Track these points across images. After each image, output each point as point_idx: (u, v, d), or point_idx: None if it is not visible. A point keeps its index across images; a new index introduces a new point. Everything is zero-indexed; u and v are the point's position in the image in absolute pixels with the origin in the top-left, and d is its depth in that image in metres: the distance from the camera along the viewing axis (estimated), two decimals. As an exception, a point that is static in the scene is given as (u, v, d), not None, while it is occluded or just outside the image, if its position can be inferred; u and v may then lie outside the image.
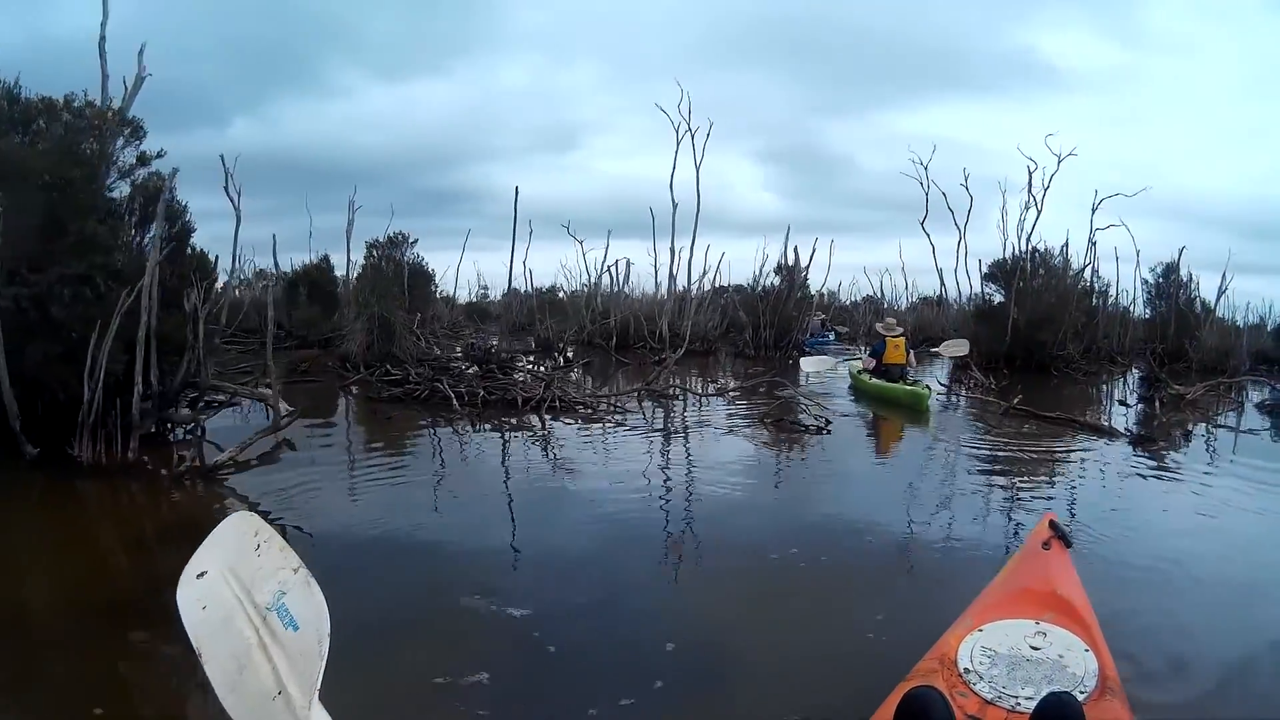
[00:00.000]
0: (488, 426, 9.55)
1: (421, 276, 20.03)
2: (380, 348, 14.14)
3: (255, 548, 1.89)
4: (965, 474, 7.49)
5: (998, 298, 18.06)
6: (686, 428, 9.79)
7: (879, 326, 13.17)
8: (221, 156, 9.40)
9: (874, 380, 12.09)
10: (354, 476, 7.21)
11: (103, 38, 8.79)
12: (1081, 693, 2.28)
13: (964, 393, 12.87)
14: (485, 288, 29.10)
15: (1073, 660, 2.44)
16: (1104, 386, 15.93)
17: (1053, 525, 3.16)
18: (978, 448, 8.66)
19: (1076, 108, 48.38)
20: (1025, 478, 7.45)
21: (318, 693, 1.50)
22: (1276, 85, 44.38)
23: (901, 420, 10.87)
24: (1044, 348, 16.61)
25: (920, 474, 7.62)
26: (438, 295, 24.00)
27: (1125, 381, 16.53)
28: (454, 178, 48.99)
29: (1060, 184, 28.02)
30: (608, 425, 9.69)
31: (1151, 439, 9.09)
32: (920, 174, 19.97)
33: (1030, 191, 18.09)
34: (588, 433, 9.30)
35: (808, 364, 15.34)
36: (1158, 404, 11.84)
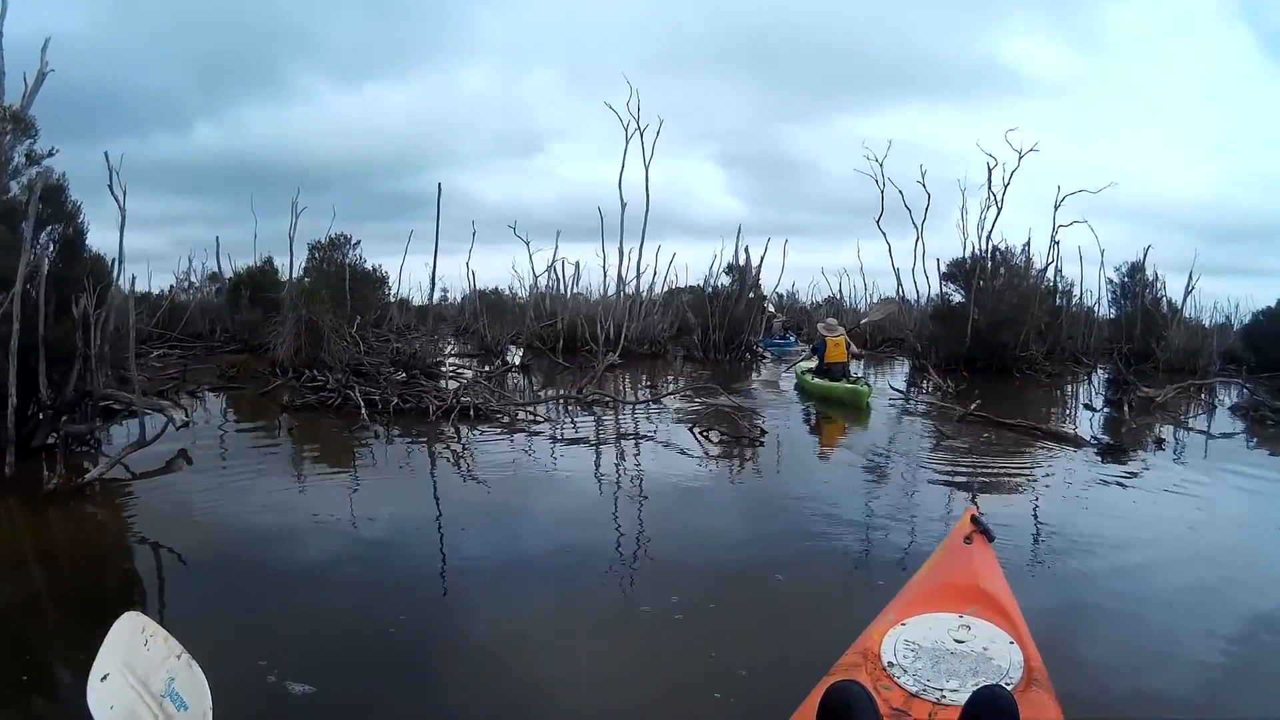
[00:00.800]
0: (399, 436, 8.51)
1: (365, 279, 19.00)
2: (309, 352, 12.96)
3: (144, 643, 2.07)
4: (911, 493, 6.35)
5: (957, 298, 16.95)
6: (610, 438, 8.59)
7: (820, 327, 12.88)
8: (105, 154, 8.49)
9: (816, 380, 11.72)
10: (220, 495, 6.07)
11: (-1, 33, 7.99)
12: (1008, 684, 2.17)
13: (921, 397, 11.68)
14: (445, 290, 27.95)
15: (998, 653, 2.36)
16: (1069, 389, 14.90)
17: (975, 520, 3.06)
18: (928, 462, 7.49)
19: (1038, 114, 47.83)
20: (980, 494, 6.29)
21: None
22: (1235, 93, 43.88)
23: (845, 424, 9.78)
24: (1005, 349, 15.56)
25: (861, 494, 6.40)
26: (391, 298, 23.24)
27: (1091, 383, 15.53)
28: (416, 182, 47.51)
29: (1021, 185, 26.97)
30: (526, 435, 8.56)
31: (1121, 448, 7.99)
32: (875, 171, 18.64)
33: (990, 189, 16.90)
34: (498, 445, 8.10)
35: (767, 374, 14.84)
36: (1126, 408, 10.76)
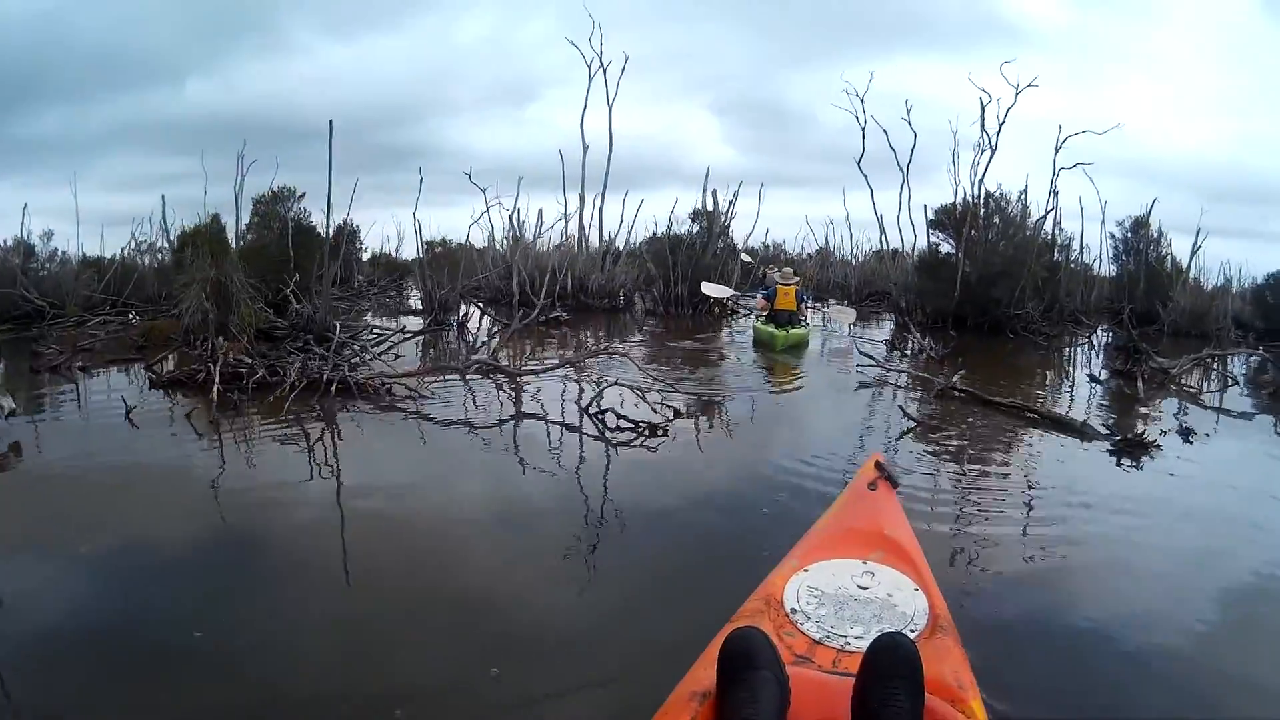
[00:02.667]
0: (253, 414, 6.42)
1: (309, 234, 16.91)
2: (216, 317, 10.74)
3: None
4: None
5: (946, 248, 14.60)
6: (494, 419, 6.43)
7: (776, 275, 11.77)
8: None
9: (760, 325, 11.38)
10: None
11: None
12: (913, 631, 2.07)
13: (895, 365, 9.40)
14: (444, 240, 25.46)
15: (902, 599, 2.23)
16: (1068, 352, 12.67)
17: (879, 466, 2.87)
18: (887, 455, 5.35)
19: (1039, 68, 43.81)
20: (955, 521, 4.16)
21: None
22: (1236, 52, 40.01)
23: (796, 409, 7.52)
24: (998, 305, 13.29)
25: (783, 500, 4.27)
26: (362, 253, 21.45)
27: (1092, 347, 13.30)
28: (409, 134, 44.03)
29: (1017, 134, 24.37)
30: (404, 415, 6.49)
31: (1142, 443, 5.80)
32: (855, 107, 15.98)
33: (984, 128, 14.38)
34: (356, 426, 6.10)
35: (709, 289, 13.52)
36: (1140, 382, 8.54)
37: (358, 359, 8.73)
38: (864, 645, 1.83)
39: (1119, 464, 5.52)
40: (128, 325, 13.12)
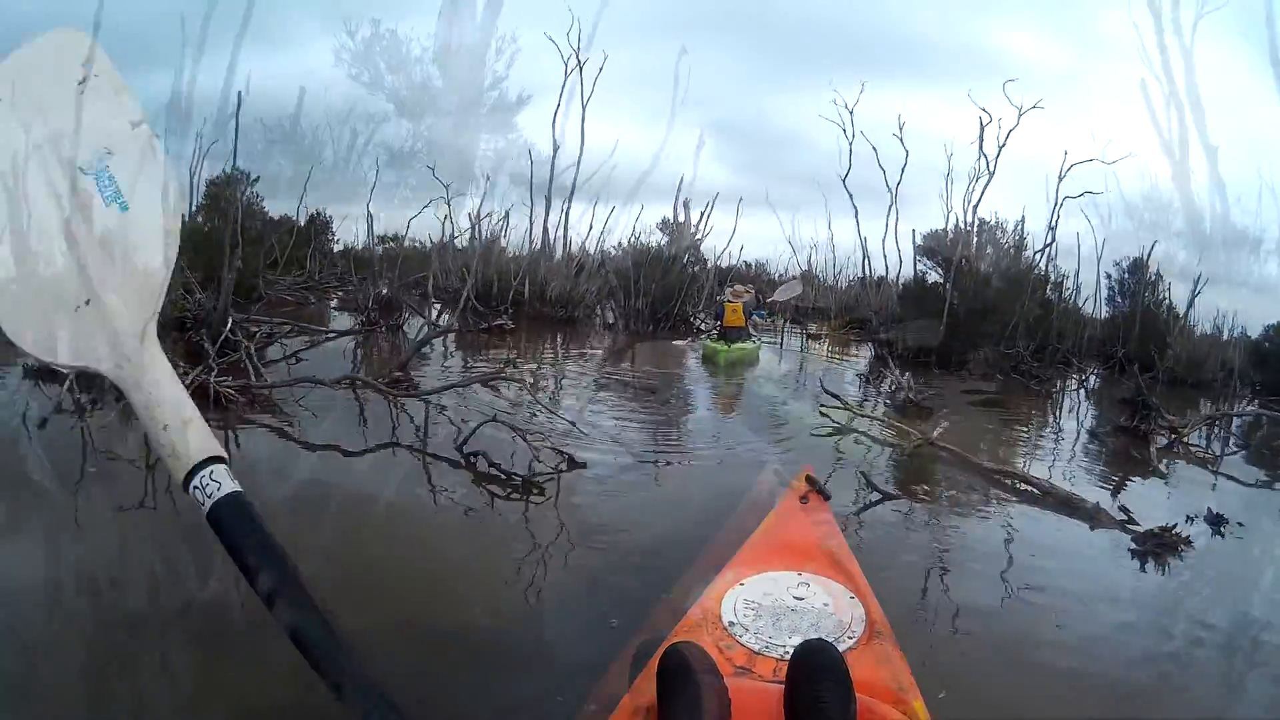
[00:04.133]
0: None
1: (258, 221, 15.54)
2: None
3: (80, 78, 0.96)
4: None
5: (934, 276, 13.25)
6: (368, 449, 5.02)
7: (728, 292, 11.37)
8: None
9: (711, 343, 10.96)
10: None
11: None
12: (850, 637, 1.99)
13: (865, 411, 7.95)
14: (395, 236, 24.08)
15: (839, 607, 2.13)
16: (1061, 398, 11.31)
17: (810, 479, 2.82)
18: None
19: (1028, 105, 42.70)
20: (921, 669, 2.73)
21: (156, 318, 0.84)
22: (1220, 102, 39.05)
23: (724, 471, 5.98)
24: (988, 342, 11.91)
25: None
26: (333, 245, 20.06)
27: (1087, 394, 11.95)
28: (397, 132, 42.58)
29: (1015, 166, 23.09)
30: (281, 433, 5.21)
31: (1172, 539, 4.39)
32: (843, 119, 14.49)
33: (982, 150, 13.04)
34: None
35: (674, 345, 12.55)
36: (1153, 447, 7.14)
37: (244, 362, 7.32)
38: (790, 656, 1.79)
39: (1142, 569, 4.13)
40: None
